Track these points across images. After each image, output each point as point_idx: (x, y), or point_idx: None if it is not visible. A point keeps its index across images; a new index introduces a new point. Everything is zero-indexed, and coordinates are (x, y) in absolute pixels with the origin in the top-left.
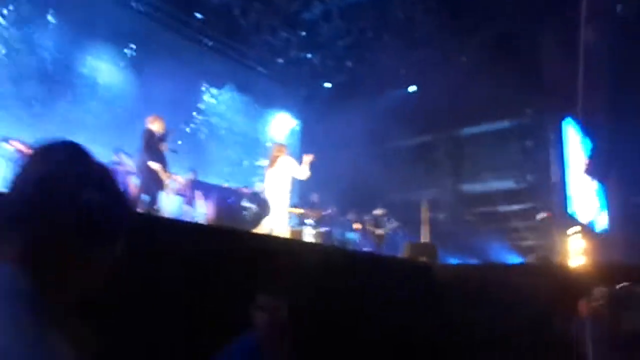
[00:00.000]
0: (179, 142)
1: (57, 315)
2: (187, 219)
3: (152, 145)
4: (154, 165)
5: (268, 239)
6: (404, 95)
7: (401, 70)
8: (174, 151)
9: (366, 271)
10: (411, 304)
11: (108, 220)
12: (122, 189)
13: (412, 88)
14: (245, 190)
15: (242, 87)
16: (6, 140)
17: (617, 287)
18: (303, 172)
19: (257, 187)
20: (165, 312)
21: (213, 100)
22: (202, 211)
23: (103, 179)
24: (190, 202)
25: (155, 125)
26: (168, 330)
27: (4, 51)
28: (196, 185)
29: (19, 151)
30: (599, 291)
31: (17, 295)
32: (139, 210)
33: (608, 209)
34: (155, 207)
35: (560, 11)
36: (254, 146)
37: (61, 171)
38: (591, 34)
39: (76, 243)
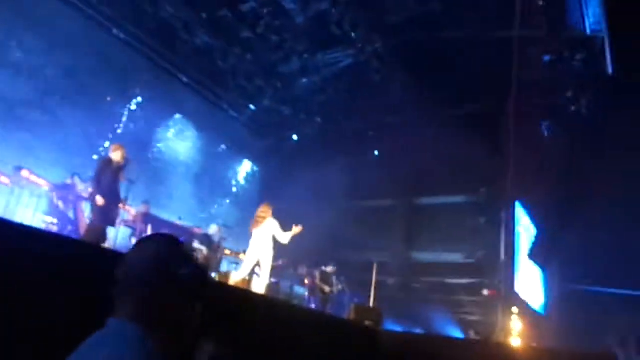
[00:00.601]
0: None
1: None
2: None
3: (108, 174)
4: (100, 200)
5: (214, 284)
6: (368, 157)
7: (369, 133)
8: (131, 181)
9: (311, 328)
10: None
11: (198, 286)
12: (202, 264)
13: (377, 152)
14: (197, 231)
15: (211, 127)
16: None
17: None
18: (286, 238)
19: (211, 229)
20: None
21: (178, 134)
22: None
23: (192, 257)
24: (139, 235)
25: (116, 154)
26: None
27: None
28: (148, 218)
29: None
30: None
31: (137, 346)
32: (87, 238)
33: (546, 293)
34: (104, 237)
35: (522, 102)
36: (213, 186)
37: (166, 253)
38: (546, 129)
39: (179, 302)
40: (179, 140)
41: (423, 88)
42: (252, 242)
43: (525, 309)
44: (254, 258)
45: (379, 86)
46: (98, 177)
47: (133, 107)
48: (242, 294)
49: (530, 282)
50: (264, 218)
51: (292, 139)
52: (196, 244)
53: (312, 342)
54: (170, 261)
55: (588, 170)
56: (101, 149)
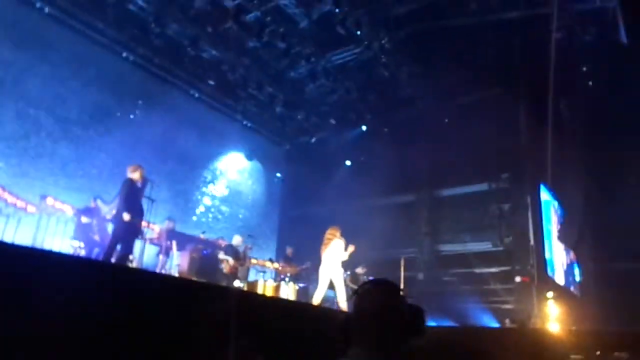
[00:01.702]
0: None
1: None
2: (162, 269)
3: (130, 194)
4: (127, 216)
5: (242, 294)
6: (385, 154)
7: (384, 130)
8: (152, 199)
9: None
10: None
11: (420, 322)
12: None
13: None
14: (221, 243)
15: (228, 139)
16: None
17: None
18: (345, 256)
19: (235, 240)
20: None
21: (198, 151)
22: (177, 262)
23: (405, 297)
24: (166, 252)
25: (136, 174)
26: None
27: None
28: (173, 235)
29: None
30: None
31: None
32: (113, 259)
33: (580, 274)
34: (130, 256)
35: (536, 81)
36: (241, 199)
37: (395, 295)
38: (565, 107)
39: (406, 335)
40: (198, 156)
41: (434, 78)
42: (322, 263)
43: (560, 292)
44: (327, 279)
45: (389, 81)
46: (123, 197)
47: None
48: (273, 303)
49: (562, 265)
50: (330, 240)
51: (309, 142)
52: (222, 255)
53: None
54: (399, 303)
55: (611, 145)
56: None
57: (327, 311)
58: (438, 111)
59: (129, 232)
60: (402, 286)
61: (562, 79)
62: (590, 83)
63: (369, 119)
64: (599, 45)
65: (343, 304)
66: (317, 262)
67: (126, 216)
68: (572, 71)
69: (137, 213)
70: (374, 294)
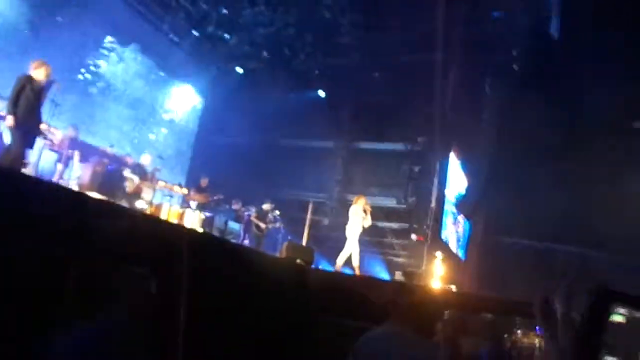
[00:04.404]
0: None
1: None
2: (60, 179)
3: (29, 94)
4: (9, 121)
5: (142, 216)
6: (312, 97)
7: (315, 73)
8: (56, 103)
9: (242, 264)
10: (280, 301)
11: None
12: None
13: (322, 93)
14: (129, 160)
15: (149, 51)
16: None
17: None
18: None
19: (143, 159)
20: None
21: (114, 57)
22: (78, 174)
23: None
24: (66, 161)
25: (39, 72)
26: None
27: None
28: (75, 144)
29: None
30: (451, 315)
31: None
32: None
33: (468, 241)
34: (24, 161)
35: (468, 54)
36: (150, 114)
37: None
38: (488, 86)
39: None
40: (113, 62)
41: (374, 32)
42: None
43: (448, 254)
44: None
45: (330, 25)
46: (16, 96)
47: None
48: (179, 230)
49: (456, 231)
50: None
51: (236, 71)
52: (127, 173)
53: (243, 279)
54: None
55: (523, 130)
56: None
57: (231, 245)
58: (371, 65)
59: (23, 135)
60: (306, 229)
61: (493, 58)
62: (516, 67)
63: (302, 59)
64: (532, 33)
65: (355, 262)
66: (230, 195)
67: (9, 120)
68: (502, 52)
69: (33, 116)
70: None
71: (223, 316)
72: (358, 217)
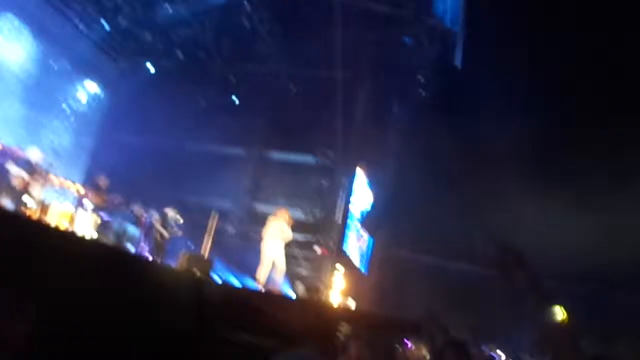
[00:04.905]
0: None
1: None
2: None
3: None
4: None
5: (25, 220)
6: (226, 103)
7: (230, 78)
8: None
9: (136, 277)
10: (174, 315)
11: None
12: None
13: (235, 99)
14: (18, 153)
15: (51, 38)
16: None
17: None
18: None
19: (31, 153)
20: None
21: (8, 39)
22: None
23: None
24: None
25: None
26: None
27: None
28: None
29: None
30: (345, 329)
31: None
32: None
33: (370, 256)
34: None
35: (379, 75)
36: (47, 105)
37: None
38: (395, 106)
39: None
40: (6, 45)
41: (292, 44)
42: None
43: (350, 268)
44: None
45: (248, 32)
46: None
47: None
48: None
49: (359, 246)
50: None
51: (147, 68)
52: (13, 168)
53: (137, 292)
54: None
55: (426, 152)
56: None
57: (127, 255)
58: (286, 76)
59: None
60: (209, 238)
61: (401, 81)
62: (422, 92)
63: (218, 63)
64: (437, 62)
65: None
66: (130, 198)
67: None
68: (410, 77)
69: None
70: None
71: (108, 329)
72: (278, 231)
